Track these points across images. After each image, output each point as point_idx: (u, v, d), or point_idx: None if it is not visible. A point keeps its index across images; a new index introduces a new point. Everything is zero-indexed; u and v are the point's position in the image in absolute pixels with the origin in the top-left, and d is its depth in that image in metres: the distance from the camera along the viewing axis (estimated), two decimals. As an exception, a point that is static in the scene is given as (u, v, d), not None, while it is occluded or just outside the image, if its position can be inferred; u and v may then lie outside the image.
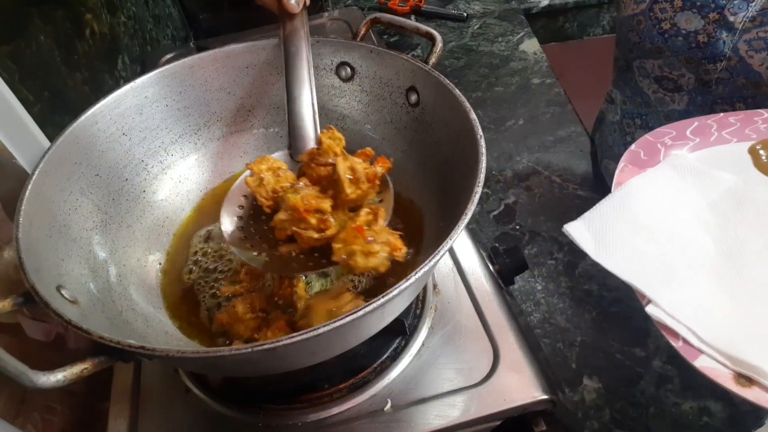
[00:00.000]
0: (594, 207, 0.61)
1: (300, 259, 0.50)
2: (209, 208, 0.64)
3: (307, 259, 0.50)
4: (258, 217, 0.54)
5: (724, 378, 0.44)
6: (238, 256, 0.52)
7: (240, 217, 0.54)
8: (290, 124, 0.58)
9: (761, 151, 0.65)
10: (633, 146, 0.69)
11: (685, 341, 0.47)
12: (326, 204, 0.49)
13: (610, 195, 0.62)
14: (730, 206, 0.58)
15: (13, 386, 0.34)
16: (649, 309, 0.49)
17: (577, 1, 1.34)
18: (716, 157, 0.63)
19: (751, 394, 0.43)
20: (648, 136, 0.70)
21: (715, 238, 0.56)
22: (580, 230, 0.59)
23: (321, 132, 0.56)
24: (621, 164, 0.67)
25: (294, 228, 0.49)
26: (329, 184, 0.52)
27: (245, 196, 0.55)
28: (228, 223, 0.53)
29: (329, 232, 0.49)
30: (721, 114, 0.69)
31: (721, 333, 0.47)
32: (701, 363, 0.45)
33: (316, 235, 0.49)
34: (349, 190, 0.51)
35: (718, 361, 0.45)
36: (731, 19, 0.80)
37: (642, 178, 0.66)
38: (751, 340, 0.46)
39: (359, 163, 0.52)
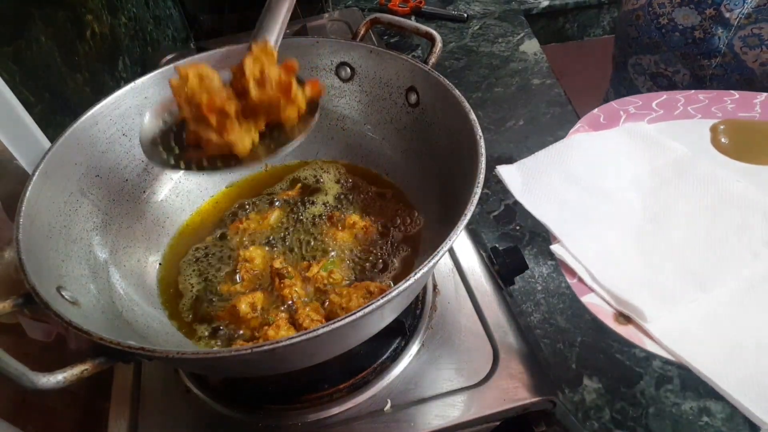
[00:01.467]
0: (532, 155, 0.64)
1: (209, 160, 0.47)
2: (210, 210, 0.64)
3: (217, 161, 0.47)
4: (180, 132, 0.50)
5: (605, 315, 0.49)
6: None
7: (162, 130, 0.50)
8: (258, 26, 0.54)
9: (722, 130, 0.66)
10: (596, 110, 0.70)
11: (580, 279, 0.51)
12: (231, 106, 0.46)
13: (551, 146, 0.65)
14: (672, 174, 0.59)
15: (14, 387, 0.34)
16: (554, 247, 0.54)
17: (577, 2, 1.34)
18: (676, 130, 0.64)
19: (625, 331, 0.47)
20: (613, 103, 0.71)
21: (645, 200, 0.58)
22: (511, 173, 0.63)
23: (254, 43, 0.52)
24: (578, 124, 0.69)
25: (194, 128, 0.46)
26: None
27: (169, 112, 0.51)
28: (147, 131, 0.49)
29: (229, 136, 0.46)
30: (693, 91, 0.70)
31: (615, 278, 0.50)
32: (588, 299, 0.50)
33: (214, 137, 0.46)
34: (254, 92, 0.47)
35: (604, 300, 0.49)
36: (727, 15, 0.81)
37: (590, 135, 0.68)
38: (641, 288, 0.49)
39: (273, 68, 0.47)
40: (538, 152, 0.66)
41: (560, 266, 0.52)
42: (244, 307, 0.51)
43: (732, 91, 0.69)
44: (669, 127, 0.65)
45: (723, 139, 0.65)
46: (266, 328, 0.49)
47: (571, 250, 0.53)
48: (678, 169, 0.59)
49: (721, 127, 0.66)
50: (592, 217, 0.56)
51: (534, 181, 0.61)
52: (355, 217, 0.59)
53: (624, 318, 0.48)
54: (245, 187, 0.66)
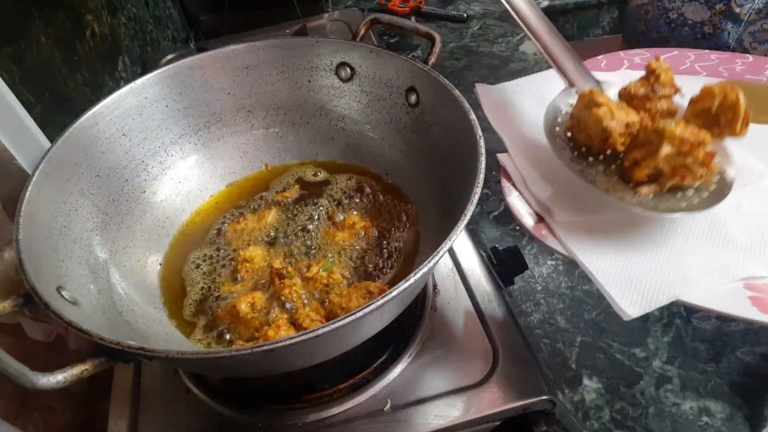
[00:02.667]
0: (514, 80, 0.67)
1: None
2: (210, 210, 0.64)
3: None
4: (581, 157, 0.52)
5: (520, 213, 0.52)
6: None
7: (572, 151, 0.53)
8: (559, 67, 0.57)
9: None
10: (600, 56, 0.71)
11: (513, 184, 0.55)
12: (708, 136, 0.47)
13: (535, 74, 0.67)
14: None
15: (14, 387, 0.34)
16: (500, 155, 0.57)
17: (577, 2, 1.35)
18: (676, 82, 0.63)
19: (534, 228, 0.51)
20: (621, 52, 0.72)
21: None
22: (488, 91, 0.65)
23: (653, 61, 0.54)
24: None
25: (684, 162, 0.47)
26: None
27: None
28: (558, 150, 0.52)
29: (713, 167, 0.47)
30: (707, 50, 0.70)
31: (542, 186, 0.54)
32: (512, 200, 0.54)
33: (702, 171, 0.47)
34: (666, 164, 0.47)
35: (525, 200, 0.53)
36: (737, 10, 0.81)
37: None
38: (562, 197, 0.53)
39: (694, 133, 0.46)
40: (521, 78, 0.68)
41: (501, 174, 0.56)
42: (243, 307, 0.51)
43: (747, 54, 0.68)
44: None
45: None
46: (266, 328, 0.49)
47: (515, 160, 0.57)
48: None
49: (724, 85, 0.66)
50: (543, 139, 0.57)
51: (506, 102, 0.64)
52: (354, 217, 0.59)
53: (537, 217, 0.52)
54: (245, 187, 0.66)
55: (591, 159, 0.53)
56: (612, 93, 0.56)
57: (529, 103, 0.65)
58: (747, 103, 0.50)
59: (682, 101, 0.54)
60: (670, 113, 0.53)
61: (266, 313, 0.52)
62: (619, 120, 0.50)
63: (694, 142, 0.46)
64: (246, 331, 0.51)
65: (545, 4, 1.30)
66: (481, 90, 0.65)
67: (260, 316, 0.51)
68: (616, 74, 0.68)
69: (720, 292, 0.44)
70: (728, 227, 0.50)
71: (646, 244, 0.49)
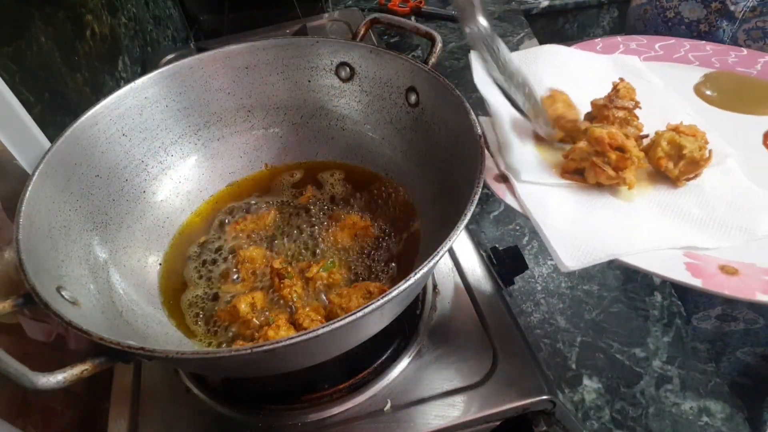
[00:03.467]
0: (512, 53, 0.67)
1: None
2: (210, 211, 0.64)
3: None
4: None
5: (488, 174, 0.54)
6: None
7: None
8: None
9: (710, 77, 0.67)
10: (597, 39, 0.72)
11: (488, 147, 0.56)
12: (631, 143, 0.50)
13: (528, 49, 0.69)
14: (638, 99, 0.60)
15: (14, 387, 0.34)
16: (482, 118, 0.58)
17: (577, 2, 1.34)
18: (666, 71, 0.65)
19: (497, 187, 0.53)
20: (618, 37, 0.73)
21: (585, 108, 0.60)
22: (479, 62, 0.64)
23: (617, 81, 0.58)
24: (574, 45, 0.71)
25: (594, 159, 0.51)
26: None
27: None
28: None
29: (626, 174, 0.50)
30: (703, 41, 0.71)
31: (515, 150, 0.56)
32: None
33: (612, 173, 0.50)
34: (664, 162, 0.51)
35: (495, 163, 0.55)
36: (732, 8, 0.82)
37: (569, 49, 0.70)
38: (531, 164, 0.55)
39: (690, 141, 0.51)
40: (515, 52, 0.68)
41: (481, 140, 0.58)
42: (243, 306, 0.51)
43: (741, 48, 0.70)
44: (660, 67, 0.66)
45: (706, 88, 0.65)
46: (266, 328, 0.49)
47: (495, 124, 0.58)
48: (642, 96, 0.60)
49: (711, 75, 0.67)
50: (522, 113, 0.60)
51: (496, 73, 0.64)
52: (354, 217, 0.59)
53: (502, 177, 0.54)
54: (246, 187, 0.66)
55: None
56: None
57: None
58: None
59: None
60: (628, 122, 0.57)
61: (266, 313, 0.52)
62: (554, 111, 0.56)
63: (606, 143, 0.50)
64: (246, 331, 0.51)
65: (545, 4, 1.30)
66: (474, 57, 0.65)
67: (260, 316, 0.51)
68: (609, 57, 0.69)
69: (658, 256, 0.46)
70: (685, 201, 0.52)
71: (602, 209, 0.51)
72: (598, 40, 0.72)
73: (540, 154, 0.57)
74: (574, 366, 0.62)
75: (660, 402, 0.58)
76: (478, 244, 0.63)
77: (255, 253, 0.56)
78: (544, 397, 0.49)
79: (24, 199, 0.45)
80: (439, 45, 0.58)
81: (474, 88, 0.89)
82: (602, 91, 0.60)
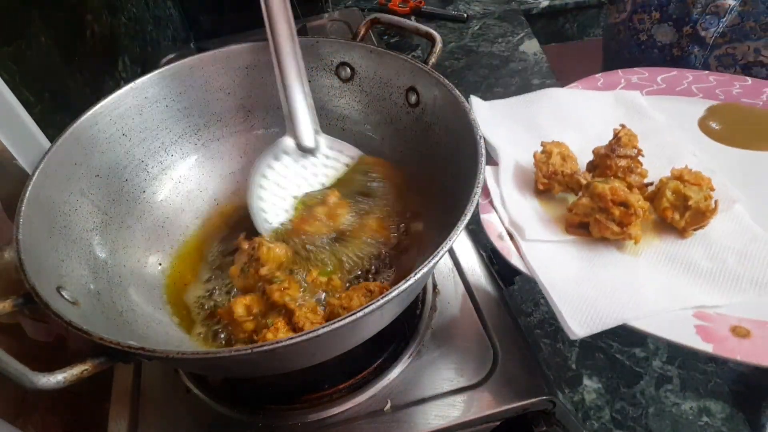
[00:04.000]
0: (506, 99, 0.68)
1: None
2: (210, 210, 0.64)
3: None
4: None
5: (492, 230, 0.54)
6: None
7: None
8: (289, 108, 0.59)
9: (714, 111, 0.65)
10: (598, 74, 0.71)
11: (491, 201, 0.56)
12: (634, 198, 0.49)
13: (528, 93, 0.69)
14: (641, 139, 0.59)
15: (14, 387, 0.34)
16: (486, 167, 0.57)
17: (577, 2, 1.34)
18: (669, 105, 0.64)
19: (501, 245, 0.52)
20: (620, 71, 0.72)
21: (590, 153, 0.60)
22: (481, 106, 0.66)
23: (618, 127, 0.58)
24: (573, 84, 0.70)
25: (596, 216, 0.50)
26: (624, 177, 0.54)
27: None
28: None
29: (631, 229, 0.49)
30: (706, 72, 0.70)
31: (518, 206, 0.56)
32: (486, 217, 0.55)
33: (616, 228, 0.49)
34: (669, 213, 0.51)
35: (499, 218, 0.55)
36: (703, 34, 0.81)
37: (568, 90, 0.69)
38: (535, 220, 0.55)
39: (695, 191, 0.50)
40: (513, 97, 0.69)
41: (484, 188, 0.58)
42: (239, 309, 0.50)
43: (746, 77, 0.68)
44: (663, 101, 0.65)
45: (711, 121, 0.64)
46: (265, 331, 0.49)
47: (499, 174, 0.58)
48: (645, 135, 0.59)
49: (716, 109, 0.66)
50: (527, 158, 0.59)
51: (499, 119, 0.65)
52: (354, 218, 0.59)
53: (507, 235, 0.53)
54: (245, 186, 0.66)
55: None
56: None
57: (520, 122, 0.65)
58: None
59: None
60: (631, 171, 0.56)
61: (263, 317, 0.51)
62: (551, 165, 0.56)
63: (609, 199, 0.49)
64: (243, 335, 0.50)
65: (545, 4, 1.30)
66: (475, 103, 0.66)
67: (256, 319, 0.51)
68: (610, 94, 0.69)
69: (668, 319, 0.44)
70: (693, 253, 0.50)
71: (608, 266, 0.50)
72: (598, 75, 0.71)
73: (542, 207, 0.57)
74: (574, 366, 0.62)
75: (660, 402, 0.58)
76: (478, 244, 0.63)
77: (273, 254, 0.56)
78: (544, 397, 0.49)
79: (24, 199, 0.45)
80: (439, 45, 0.58)
81: (474, 88, 0.89)
82: (605, 133, 0.59)
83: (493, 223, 0.54)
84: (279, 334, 0.48)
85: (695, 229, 0.51)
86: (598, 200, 0.50)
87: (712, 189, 0.52)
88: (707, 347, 0.42)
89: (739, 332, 0.43)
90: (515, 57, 1.09)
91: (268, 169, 0.60)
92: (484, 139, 0.60)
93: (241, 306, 0.50)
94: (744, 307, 0.45)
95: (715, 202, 0.50)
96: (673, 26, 0.83)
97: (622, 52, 0.94)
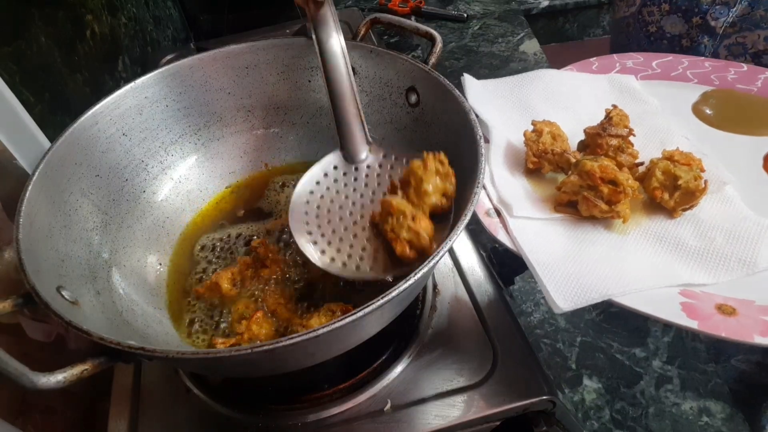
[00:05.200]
0: (499, 78, 0.68)
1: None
2: (210, 209, 0.64)
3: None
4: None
5: (479, 208, 0.54)
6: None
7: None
8: (339, 124, 0.56)
9: (708, 96, 0.66)
10: (593, 58, 0.72)
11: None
12: (623, 177, 0.49)
13: (521, 74, 0.69)
14: (634, 123, 0.59)
15: (14, 387, 0.34)
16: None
17: (577, 2, 1.35)
18: (664, 90, 0.64)
19: (488, 222, 0.52)
20: (615, 55, 0.72)
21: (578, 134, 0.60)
22: (473, 84, 0.66)
23: (610, 108, 0.57)
24: (568, 67, 0.71)
25: (584, 193, 0.50)
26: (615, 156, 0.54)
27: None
28: None
29: (619, 207, 0.49)
30: (702, 57, 0.70)
31: (507, 182, 0.56)
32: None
33: (604, 206, 0.49)
34: (659, 193, 0.51)
35: (488, 196, 0.55)
36: (712, 24, 0.81)
37: (561, 72, 0.69)
38: (523, 197, 0.54)
39: (684, 171, 0.50)
40: (506, 77, 0.69)
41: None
42: (225, 284, 0.51)
43: (742, 64, 0.68)
44: (658, 86, 0.65)
45: (705, 107, 0.64)
46: (244, 322, 0.49)
47: (490, 152, 0.58)
48: (638, 118, 0.59)
49: (711, 96, 0.66)
50: (518, 137, 0.59)
51: (490, 98, 0.65)
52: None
53: (495, 212, 0.53)
54: (245, 186, 0.66)
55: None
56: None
57: (511, 101, 0.66)
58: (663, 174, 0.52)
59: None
60: (622, 150, 0.56)
61: (246, 288, 0.52)
62: (542, 144, 0.56)
63: (598, 177, 0.49)
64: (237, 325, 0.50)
65: (545, 4, 1.30)
66: (468, 80, 0.66)
67: (239, 289, 0.52)
68: (603, 77, 0.69)
69: (654, 296, 0.45)
70: (682, 232, 0.50)
71: (595, 244, 0.50)
72: (593, 59, 0.71)
73: (531, 186, 0.57)
74: (574, 366, 0.62)
75: (660, 402, 0.58)
76: (478, 244, 0.63)
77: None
78: (544, 397, 0.49)
79: (24, 199, 0.45)
80: (439, 45, 0.58)
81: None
82: (597, 115, 0.59)
83: (480, 200, 0.54)
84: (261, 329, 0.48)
85: (684, 209, 0.51)
86: (587, 177, 0.50)
87: (702, 170, 0.52)
88: (692, 323, 0.42)
89: (725, 310, 0.43)
90: (515, 57, 1.09)
91: (315, 185, 0.57)
92: (476, 115, 0.61)
93: (225, 279, 0.51)
94: (730, 286, 0.46)
95: (705, 182, 0.50)
96: (683, 17, 0.84)
97: (631, 45, 0.94)
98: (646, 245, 0.50)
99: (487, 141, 0.59)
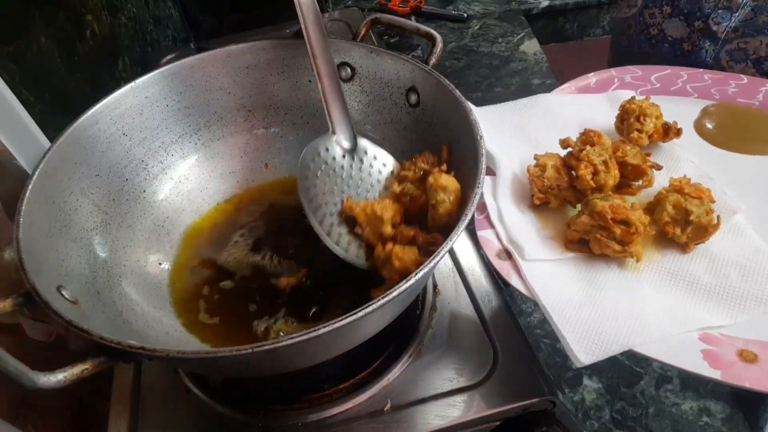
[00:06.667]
0: (498, 104, 0.67)
1: None
2: (211, 209, 0.64)
3: None
4: None
5: (490, 249, 0.52)
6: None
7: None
8: (327, 109, 0.57)
9: (710, 112, 0.64)
10: (591, 74, 0.70)
11: (487, 216, 0.55)
12: (635, 216, 0.48)
13: (518, 100, 0.68)
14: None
15: (14, 387, 0.34)
16: (485, 177, 0.56)
17: (577, 2, 1.35)
18: (664, 106, 0.62)
19: (500, 265, 0.51)
20: (612, 70, 0.71)
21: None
22: (473, 112, 0.63)
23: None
24: (565, 85, 0.69)
25: (597, 235, 0.49)
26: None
27: None
28: None
29: (632, 248, 0.48)
30: (702, 69, 0.69)
31: (516, 221, 0.54)
32: (483, 234, 0.54)
33: (617, 247, 0.48)
34: (671, 228, 0.50)
35: (497, 236, 0.53)
36: (714, 28, 0.81)
37: (559, 97, 0.68)
38: (535, 237, 0.53)
39: (696, 205, 0.49)
40: (504, 103, 0.68)
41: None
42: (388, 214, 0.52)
43: (741, 75, 0.67)
44: (658, 102, 0.64)
45: (707, 123, 0.63)
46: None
47: (497, 187, 0.57)
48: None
49: (712, 110, 0.64)
50: (523, 169, 0.58)
51: (492, 126, 0.64)
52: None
53: (506, 254, 0.52)
54: (245, 186, 0.66)
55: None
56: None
57: (509, 129, 0.65)
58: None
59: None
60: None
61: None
62: (547, 179, 0.55)
63: (610, 218, 0.48)
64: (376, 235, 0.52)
65: (545, 4, 1.30)
66: (476, 109, 0.64)
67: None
68: (603, 96, 0.68)
69: (674, 344, 0.44)
70: (695, 268, 0.49)
71: (610, 287, 0.49)
72: (591, 75, 0.70)
73: (539, 222, 0.55)
74: (574, 366, 0.62)
75: (660, 402, 0.58)
76: (478, 244, 0.63)
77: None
78: (544, 397, 0.49)
79: (24, 199, 0.45)
80: (439, 45, 0.58)
81: (474, 88, 0.89)
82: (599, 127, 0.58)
83: (490, 241, 0.53)
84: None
85: (696, 244, 0.50)
86: (598, 218, 0.49)
87: (713, 201, 0.51)
88: (715, 374, 0.41)
89: (747, 357, 0.42)
90: (515, 57, 1.09)
91: (311, 161, 0.58)
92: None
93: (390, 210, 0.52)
94: (749, 327, 0.45)
95: (717, 217, 0.49)
96: (684, 21, 0.83)
97: (632, 47, 0.94)
98: (660, 284, 0.49)
99: (493, 173, 0.58)
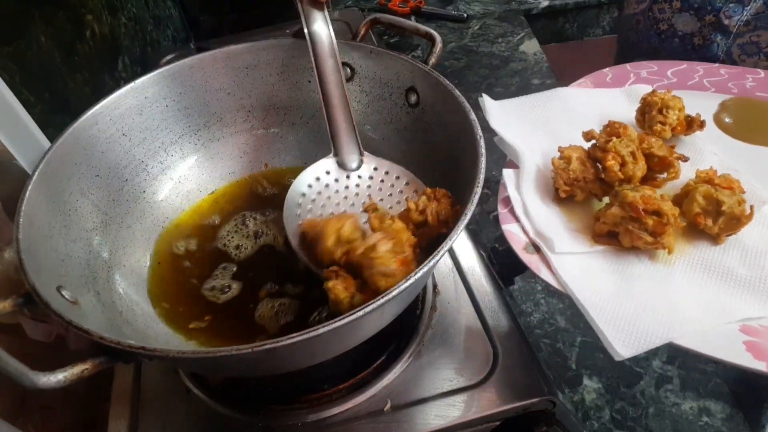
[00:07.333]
0: (516, 98, 0.66)
1: None
2: (207, 208, 0.64)
3: None
4: None
5: (517, 243, 0.51)
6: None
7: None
8: (330, 130, 0.57)
9: (728, 106, 0.64)
10: (606, 69, 0.70)
11: (511, 210, 0.54)
12: (667, 206, 0.47)
13: (536, 93, 0.67)
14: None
15: (14, 387, 0.34)
16: (505, 170, 0.56)
17: (577, 2, 1.34)
18: (683, 98, 0.61)
19: (528, 259, 0.50)
20: (627, 65, 0.70)
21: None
22: (492, 105, 0.64)
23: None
24: (582, 80, 0.68)
25: (628, 226, 0.48)
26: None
27: None
28: None
29: (665, 239, 0.47)
30: (717, 64, 0.69)
31: (542, 214, 0.53)
32: (508, 228, 0.52)
33: (649, 239, 0.47)
34: (702, 220, 0.49)
35: (523, 229, 0.52)
36: (726, 22, 0.80)
37: (577, 90, 0.67)
38: (562, 229, 0.52)
39: (727, 195, 0.48)
40: (521, 97, 0.67)
41: (501, 191, 0.56)
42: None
43: (758, 69, 0.67)
44: (677, 94, 0.63)
45: (726, 116, 0.63)
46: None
47: (521, 180, 0.56)
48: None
49: (730, 104, 0.64)
50: (546, 162, 0.57)
51: (512, 119, 0.63)
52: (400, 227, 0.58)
53: (534, 247, 0.51)
54: (245, 186, 0.66)
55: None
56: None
57: (529, 123, 0.64)
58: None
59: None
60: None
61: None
62: (572, 171, 0.53)
63: (642, 208, 0.47)
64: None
65: (545, 4, 1.30)
66: (488, 102, 0.64)
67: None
68: (620, 91, 0.67)
69: (715, 336, 0.43)
70: (729, 260, 0.49)
71: (642, 279, 0.48)
72: (607, 70, 0.69)
73: (565, 216, 0.54)
74: (574, 366, 0.62)
75: (660, 402, 0.58)
76: (478, 244, 0.63)
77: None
78: (544, 397, 0.49)
79: (24, 199, 0.45)
80: (439, 45, 0.58)
81: (474, 88, 0.89)
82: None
83: (516, 235, 0.52)
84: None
85: (728, 235, 0.49)
86: (629, 209, 0.48)
87: (743, 191, 0.50)
88: (760, 365, 0.40)
89: None
90: (515, 57, 1.09)
91: (307, 187, 0.58)
92: (502, 139, 0.58)
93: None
94: None
95: (751, 207, 0.48)
96: (695, 15, 0.83)
97: (641, 43, 0.93)
98: (694, 276, 0.48)
99: (515, 167, 0.57)
